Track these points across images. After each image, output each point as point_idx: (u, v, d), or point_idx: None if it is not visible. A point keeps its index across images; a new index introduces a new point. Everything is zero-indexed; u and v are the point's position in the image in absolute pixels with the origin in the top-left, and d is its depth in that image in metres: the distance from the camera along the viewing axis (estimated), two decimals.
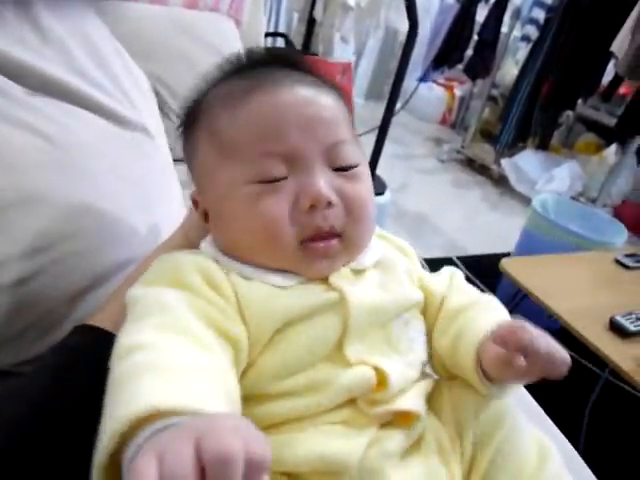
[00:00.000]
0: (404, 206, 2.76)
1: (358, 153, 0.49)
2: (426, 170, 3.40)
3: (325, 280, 0.46)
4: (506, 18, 3.28)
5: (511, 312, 1.66)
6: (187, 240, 0.53)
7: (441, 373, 0.52)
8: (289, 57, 0.50)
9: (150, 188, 0.68)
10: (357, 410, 0.43)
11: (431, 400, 0.49)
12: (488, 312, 0.51)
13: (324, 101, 0.47)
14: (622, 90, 3.07)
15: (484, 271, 2.19)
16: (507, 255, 2.05)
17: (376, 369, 0.43)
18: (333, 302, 0.44)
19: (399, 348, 0.47)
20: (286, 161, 0.44)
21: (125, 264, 0.60)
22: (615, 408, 1.65)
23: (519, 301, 1.71)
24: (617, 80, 2.99)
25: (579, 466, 0.71)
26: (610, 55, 2.70)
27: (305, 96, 0.46)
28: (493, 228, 2.75)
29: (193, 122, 0.49)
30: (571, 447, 0.74)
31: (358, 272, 0.48)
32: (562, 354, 0.43)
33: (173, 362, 0.34)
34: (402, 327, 0.49)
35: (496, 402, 0.48)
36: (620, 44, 2.60)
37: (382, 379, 0.43)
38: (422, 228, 2.62)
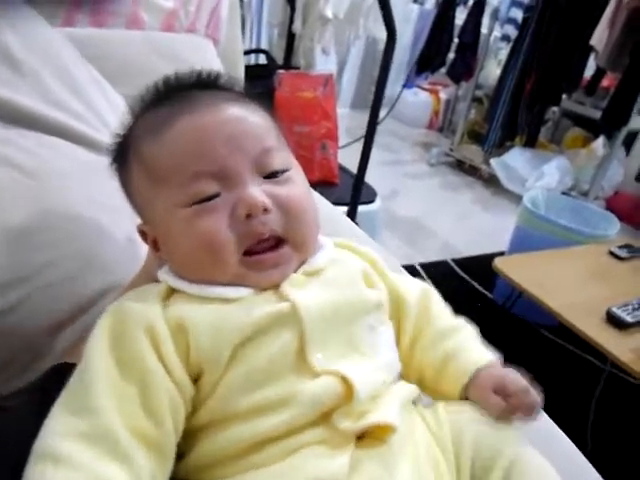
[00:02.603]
0: (396, 212, 2.77)
1: (287, 159, 0.51)
2: (416, 175, 3.41)
3: (277, 288, 0.47)
4: (485, 19, 3.31)
5: (509, 310, 1.66)
6: (149, 277, 0.53)
7: (412, 381, 0.53)
8: (209, 78, 0.51)
9: (131, 214, 0.68)
10: (332, 427, 0.42)
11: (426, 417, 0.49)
12: (476, 341, 0.55)
13: (246, 115, 0.48)
14: (605, 83, 3.10)
15: (480, 272, 2.19)
16: (502, 254, 2.05)
17: (342, 377, 0.43)
18: (285, 313, 0.45)
19: (364, 351, 0.47)
20: (217, 179, 0.46)
21: (107, 291, 0.60)
22: (620, 400, 1.64)
23: (516, 299, 1.71)
24: (599, 73, 3.01)
25: (582, 466, 0.70)
26: (590, 49, 2.72)
27: (227, 113, 0.47)
28: (486, 228, 2.75)
29: (123, 155, 0.50)
30: (574, 447, 0.73)
31: (311, 274, 0.49)
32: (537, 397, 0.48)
33: None
34: (367, 332, 0.49)
35: (498, 437, 0.47)
36: (599, 37, 2.63)
37: (349, 387, 0.43)
38: (415, 233, 2.62)
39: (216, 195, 0.46)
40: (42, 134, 0.64)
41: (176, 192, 0.46)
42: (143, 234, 0.52)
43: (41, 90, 0.68)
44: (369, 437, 0.43)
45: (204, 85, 0.50)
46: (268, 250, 0.46)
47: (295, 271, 0.49)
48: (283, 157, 0.50)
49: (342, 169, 2.31)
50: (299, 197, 0.49)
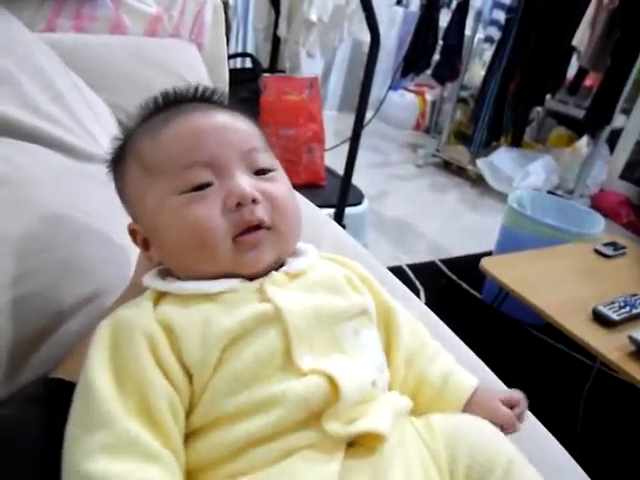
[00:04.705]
0: (384, 214, 2.77)
1: (273, 161, 0.54)
2: (404, 176, 3.42)
3: (260, 288, 0.48)
4: (469, 21, 3.33)
5: (497, 309, 1.66)
6: (138, 291, 0.52)
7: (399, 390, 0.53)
8: (204, 93, 0.55)
9: (113, 219, 0.67)
10: (321, 430, 0.42)
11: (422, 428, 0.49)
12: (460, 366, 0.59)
13: (235, 120, 0.53)
14: (587, 82, 3.13)
15: (468, 272, 2.20)
16: (489, 254, 2.06)
17: (328, 377, 0.43)
18: (269, 314, 0.45)
19: (349, 352, 0.48)
20: (210, 168, 0.49)
21: (91, 298, 0.59)
22: (609, 397, 1.65)
23: (504, 298, 1.72)
24: (581, 73, 3.05)
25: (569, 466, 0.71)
26: (572, 49, 2.75)
27: (218, 116, 0.52)
28: (474, 228, 2.76)
29: (120, 157, 0.53)
30: (563, 449, 0.73)
31: (294, 276, 0.50)
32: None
33: None
34: (351, 335, 0.49)
35: (493, 442, 0.48)
36: (581, 38, 2.66)
37: (335, 386, 0.43)
38: (404, 234, 2.63)
39: (208, 184, 0.48)
40: (19, 140, 0.64)
41: (169, 180, 0.48)
42: (133, 234, 0.53)
43: (17, 95, 0.67)
44: (359, 445, 0.43)
45: (199, 99, 0.54)
46: (249, 232, 0.48)
47: (277, 270, 0.50)
48: (270, 158, 0.54)
49: (329, 171, 2.31)
50: (285, 194, 0.52)
